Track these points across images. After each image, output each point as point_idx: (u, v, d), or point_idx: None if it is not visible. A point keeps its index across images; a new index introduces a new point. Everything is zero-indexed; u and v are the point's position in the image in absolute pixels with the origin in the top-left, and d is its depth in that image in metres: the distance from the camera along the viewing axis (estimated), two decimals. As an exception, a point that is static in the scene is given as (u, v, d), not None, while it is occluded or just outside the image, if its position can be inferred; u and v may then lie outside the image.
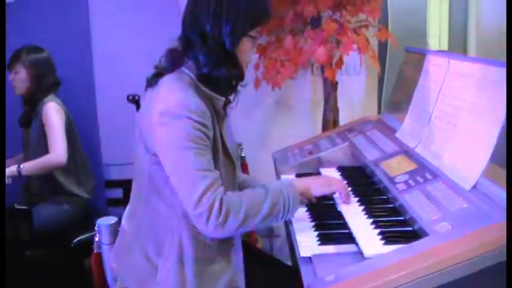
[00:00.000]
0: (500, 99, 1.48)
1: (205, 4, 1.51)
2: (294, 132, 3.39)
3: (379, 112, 3.66)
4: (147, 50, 3.40)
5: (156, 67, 1.62)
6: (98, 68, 3.39)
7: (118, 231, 2.07)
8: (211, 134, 1.49)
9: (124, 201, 3.29)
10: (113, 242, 2.05)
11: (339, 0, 2.84)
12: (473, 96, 1.64)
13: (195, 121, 1.44)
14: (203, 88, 1.53)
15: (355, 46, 2.86)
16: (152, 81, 1.60)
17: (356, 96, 3.59)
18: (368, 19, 2.98)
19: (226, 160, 1.60)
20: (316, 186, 1.64)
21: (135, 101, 2.77)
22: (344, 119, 3.30)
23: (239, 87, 1.64)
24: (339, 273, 1.27)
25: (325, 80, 3.18)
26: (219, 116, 1.59)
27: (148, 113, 1.53)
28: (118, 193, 3.34)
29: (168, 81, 1.54)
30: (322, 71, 3.15)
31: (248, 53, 1.59)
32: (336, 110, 3.26)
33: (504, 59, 1.48)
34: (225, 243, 1.58)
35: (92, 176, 2.97)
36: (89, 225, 2.52)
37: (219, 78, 1.54)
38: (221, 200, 1.43)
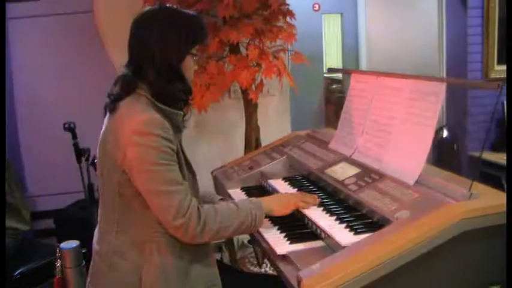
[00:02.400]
0: (430, 107, 1.78)
1: (149, 28, 1.66)
2: (216, 152, 3.58)
3: (292, 129, 3.97)
4: (67, 78, 3.48)
5: (109, 94, 1.71)
6: (19, 100, 3.37)
7: (81, 254, 2.12)
8: (175, 148, 1.63)
9: (55, 231, 3.27)
10: (76, 265, 2.09)
11: (259, 27, 3.08)
12: (405, 107, 1.93)
13: (162, 137, 1.57)
14: (160, 106, 1.66)
15: (275, 69, 3.11)
16: (111, 106, 1.68)
17: (271, 115, 3.85)
18: (284, 44, 3.26)
19: (188, 172, 1.74)
20: (278, 208, 1.85)
21: (71, 128, 2.79)
22: (262, 136, 3.54)
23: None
24: (324, 262, 1.46)
25: (246, 101, 3.40)
26: (177, 130, 1.71)
27: (114, 135, 1.62)
28: (47, 224, 3.30)
29: (128, 104, 1.65)
30: (243, 93, 3.37)
31: (191, 70, 1.76)
32: (257, 129, 3.49)
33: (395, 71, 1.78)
34: (198, 245, 1.70)
35: (28, 207, 2.92)
36: (23, 256, 2.50)
37: (172, 94, 1.68)
38: (198, 210, 1.59)
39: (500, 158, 3.67)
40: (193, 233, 1.57)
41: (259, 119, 3.51)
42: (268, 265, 3.57)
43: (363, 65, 5.05)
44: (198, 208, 1.60)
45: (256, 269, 3.49)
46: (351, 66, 5.15)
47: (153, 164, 1.55)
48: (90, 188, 2.88)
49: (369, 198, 1.79)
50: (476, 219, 1.47)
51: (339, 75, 5.72)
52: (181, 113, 1.73)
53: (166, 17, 1.69)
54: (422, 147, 1.79)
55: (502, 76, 3.87)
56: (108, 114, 1.70)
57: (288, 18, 3.29)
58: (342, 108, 2.44)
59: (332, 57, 5.45)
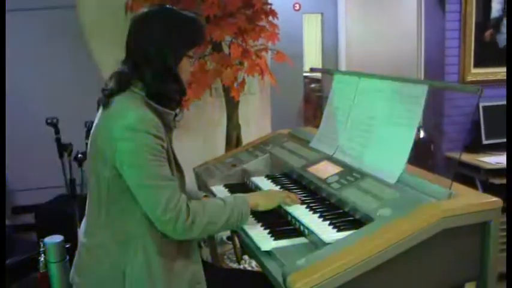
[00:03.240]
0: (412, 109, 1.84)
1: (149, 29, 1.69)
2: (196, 150, 3.60)
3: (272, 127, 4.01)
4: (49, 73, 3.46)
5: (104, 89, 1.74)
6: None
7: (64, 248, 2.13)
8: (166, 146, 1.66)
9: (36, 226, 3.26)
10: (60, 260, 2.10)
11: (243, 26, 3.11)
12: (386, 108, 1.99)
13: (153, 135, 1.60)
14: (153, 104, 1.69)
15: (258, 68, 3.14)
16: (105, 101, 1.70)
17: (252, 114, 3.88)
18: (267, 43, 3.30)
19: (176, 170, 1.77)
20: (264, 203, 1.89)
21: (54, 124, 2.78)
22: (242, 135, 3.57)
23: None
24: (309, 258, 1.50)
25: (228, 99, 3.42)
26: (167, 129, 1.75)
27: (106, 130, 1.64)
28: (27, 219, 3.28)
29: (122, 101, 1.67)
30: (225, 91, 3.40)
31: (187, 71, 1.80)
32: (238, 127, 3.52)
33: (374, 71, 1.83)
34: (183, 243, 1.74)
35: (7, 202, 2.91)
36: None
37: (165, 94, 1.71)
38: (187, 206, 1.62)
39: (474, 159, 3.76)
40: (182, 227, 1.60)
41: (240, 117, 3.54)
42: (248, 261, 3.61)
43: (343, 65, 5.12)
44: (187, 204, 1.63)
45: (235, 265, 3.53)
46: (330, 66, 5.22)
47: (144, 160, 1.57)
48: (72, 183, 2.87)
49: (351, 196, 1.84)
50: (456, 218, 1.53)
51: (318, 75, 5.79)
52: (173, 113, 1.76)
53: (166, 18, 1.71)
54: (403, 147, 1.84)
55: (478, 79, 3.97)
56: (101, 109, 1.71)
57: (270, 18, 3.32)
58: (321, 107, 2.49)
59: (312, 57, 5.51)
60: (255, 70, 3.13)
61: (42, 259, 2.11)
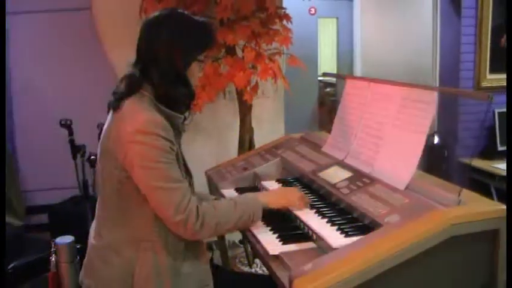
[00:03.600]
0: (422, 115, 1.83)
1: (159, 33, 1.70)
2: (209, 152, 3.62)
3: (286, 131, 4.01)
4: (64, 75, 3.51)
5: (114, 92, 1.76)
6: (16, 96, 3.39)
7: (75, 249, 2.15)
8: (175, 148, 1.68)
9: (49, 226, 3.30)
10: (71, 261, 2.12)
11: (256, 30, 3.12)
12: (396, 113, 1.98)
13: (163, 137, 1.61)
14: (162, 108, 1.70)
15: (270, 72, 3.15)
16: (115, 104, 1.72)
17: (265, 117, 3.89)
18: (280, 47, 3.30)
19: (185, 173, 1.79)
20: (274, 201, 1.90)
21: (68, 125, 2.81)
22: (256, 138, 3.58)
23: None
24: (315, 262, 1.50)
25: (241, 102, 3.43)
26: (177, 133, 1.76)
27: (116, 133, 1.66)
28: (41, 219, 3.32)
29: (132, 104, 1.69)
30: (238, 94, 3.41)
31: (196, 75, 1.81)
32: (251, 130, 3.53)
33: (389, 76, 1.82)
34: (191, 244, 1.75)
35: (22, 202, 2.95)
36: (16, 251, 2.52)
37: (175, 98, 1.73)
38: (197, 207, 1.63)
39: (489, 165, 3.73)
40: (193, 228, 1.61)
41: (252, 120, 3.55)
42: (259, 265, 3.61)
43: (358, 69, 5.10)
44: (197, 205, 1.64)
45: (246, 269, 3.53)
46: (345, 71, 5.21)
47: (155, 162, 1.59)
48: (84, 184, 2.91)
49: (360, 201, 1.83)
50: (464, 225, 1.52)
51: (333, 79, 5.78)
52: (182, 116, 1.77)
53: (177, 22, 1.72)
54: (413, 154, 1.83)
55: (493, 85, 3.94)
56: (111, 112, 1.73)
57: (284, 22, 3.33)
58: (335, 111, 2.49)
59: (327, 61, 5.51)
60: (267, 74, 3.13)
61: (53, 259, 2.12)
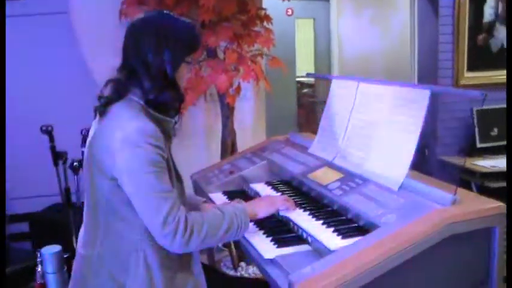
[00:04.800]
0: (415, 114, 1.83)
1: (146, 36, 1.66)
2: (191, 156, 3.58)
3: (267, 133, 3.99)
4: (43, 80, 3.43)
5: (100, 97, 1.70)
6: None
7: (63, 259, 2.09)
8: (166, 155, 1.63)
9: (30, 234, 3.22)
10: (58, 271, 2.06)
11: (238, 32, 3.09)
12: (388, 113, 1.98)
13: (154, 146, 1.56)
14: (152, 113, 1.66)
15: (253, 73, 3.13)
16: (101, 110, 1.67)
17: (247, 119, 3.87)
18: (262, 49, 3.29)
19: (176, 179, 1.75)
20: (262, 210, 1.86)
21: (48, 131, 2.74)
22: (237, 141, 3.56)
23: None
24: (315, 266, 1.48)
25: (223, 105, 3.41)
26: (167, 137, 1.71)
27: (104, 140, 1.61)
28: (21, 227, 3.24)
29: (120, 110, 1.64)
30: (220, 97, 3.39)
31: (184, 77, 1.78)
32: (233, 133, 3.51)
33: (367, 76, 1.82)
34: (185, 254, 1.70)
35: (4, 206, 2.86)
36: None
37: (164, 102, 1.68)
38: (185, 219, 1.57)
39: (469, 163, 3.77)
40: (181, 240, 1.55)
41: (234, 123, 3.52)
42: (244, 268, 3.58)
43: (335, 69, 5.12)
44: (186, 216, 1.59)
45: (231, 272, 3.50)
46: (323, 71, 5.23)
47: (144, 171, 1.54)
48: (67, 192, 2.84)
49: (354, 202, 1.82)
50: (463, 223, 1.52)
51: (311, 80, 5.78)
52: (173, 120, 1.73)
53: (164, 23, 1.68)
54: (405, 154, 1.83)
55: (471, 83, 3.98)
56: (97, 118, 1.68)
57: (265, 23, 3.32)
58: (314, 112, 2.48)
59: (304, 62, 5.51)
60: (250, 76, 3.11)
61: (39, 270, 2.07)
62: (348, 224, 1.77)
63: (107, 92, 1.70)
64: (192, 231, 1.57)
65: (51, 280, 2.05)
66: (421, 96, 1.82)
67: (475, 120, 3.94)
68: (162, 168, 1.58)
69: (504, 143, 3.93)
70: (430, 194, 1.69)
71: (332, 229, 1.73)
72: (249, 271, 3.57)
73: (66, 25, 3.31)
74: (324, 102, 2.45)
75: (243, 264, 3.61)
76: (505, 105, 3.80)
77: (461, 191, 1.71)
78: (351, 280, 1.40)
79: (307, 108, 5.57)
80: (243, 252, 3.53)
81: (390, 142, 1.93)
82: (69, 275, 1.83)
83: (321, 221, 1.81)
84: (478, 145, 3.94)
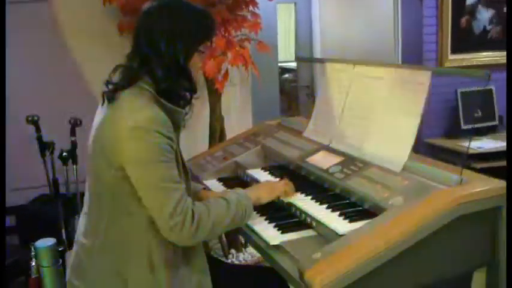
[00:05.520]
0: (414, 96, 1.82)
1: (159, 23, 1.61)
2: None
3: (254, 119, 3.96)
4: (27, 69, 3.34)
5: (108, 83, 1.65)
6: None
7: (57, 252, 2.04)
8: (175, 146, 1.60)
9: (17, 228, 3.14)
10: (52, 264, 2.01)
11: (225, 16, 3.04)
12: (386, 95, 1.96)
13: (164, 135, 1.52)
14: (164, 102, 1.61)
15: (241, 58, 3.09)
16: (110, 95, 1.62)
17: (233, 105, 3.83)
18: (249, 34, 3.25)
19: (182, 170, 1.70)
20: (265, 196, 1.84)
21: (34, 121, 2.66)
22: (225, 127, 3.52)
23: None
24: (324, 250, 1.46)
25: (210, 91, 3.36)
26: (176, 128, 1.66)
27: (112, 128, 1.56)
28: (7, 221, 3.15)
29: (130, 97, 1.59)
30: (207, 82, 3.34)
31: (197, 66, 1.73)
32: (221, 119, 3.47)
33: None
34: (189, 249, 1.67)
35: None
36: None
37: (176, 92, 1.65)
38: (192, 210, 1.55)
39: (455, 144, 3.81)
40: (188, 232, 1.52)
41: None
42: (235, 255, 3.57)
43: (317, 54, 5.09)
44: (193, 208, 1.56)
45: (222, 260, 3.48)
46: (304, 56, 5.19)
47: (153, 160, 1.50)
48: (55, 183, 2.77)
49: (358, 186, 1.81)
50: (472, 203, 1.52)
51: (292, 64, 5.75)
52: (184, 111, 1.69)
53: (178, 10, 1.63)
54: (407, 135, 1.82)
55: (454, 65, 4.01)
56: (105, 104, 1.63)
57: (251, 7, 3.27)
58: (296, 97, 2.46)
59: (285, 47, 5.48)
60: (239, 60, 3.07)
61: (33, 264, 2.01)
62: (353, 208, 1.75)
63: (115, 77, 1.65)
64: (199, 222, 1.55)
65: (46, 274, 1.99)
66: (423, 78, 1.81)
67: (460, 102, 3.97)
68: (172, 159, 1.55)
69: (487, 124, 3.99)
70: (435, 175, 1.69)
71: (338, 213, 1.71)
72: (240, 258, 3.56)
73: (47, 13, 3.20)
74: (307, 87, 2.43)
75: (233, 251, 3.60)
76: (488, 87, 3.86)
77: (465, 172, 1.71)
78: (363, 264, 1.39)
79: (288, 93, 5.55)
80: (232, 239, 3.55)
81: (390, 124, 1.92)
82: (65, 269, 1.79)
83: (325, 205, 1.79)
84: (463, 126, 3.98)
